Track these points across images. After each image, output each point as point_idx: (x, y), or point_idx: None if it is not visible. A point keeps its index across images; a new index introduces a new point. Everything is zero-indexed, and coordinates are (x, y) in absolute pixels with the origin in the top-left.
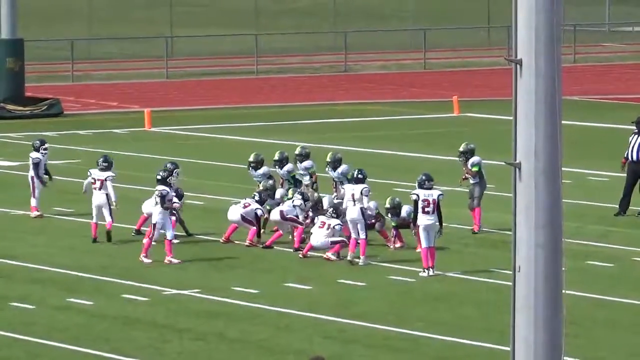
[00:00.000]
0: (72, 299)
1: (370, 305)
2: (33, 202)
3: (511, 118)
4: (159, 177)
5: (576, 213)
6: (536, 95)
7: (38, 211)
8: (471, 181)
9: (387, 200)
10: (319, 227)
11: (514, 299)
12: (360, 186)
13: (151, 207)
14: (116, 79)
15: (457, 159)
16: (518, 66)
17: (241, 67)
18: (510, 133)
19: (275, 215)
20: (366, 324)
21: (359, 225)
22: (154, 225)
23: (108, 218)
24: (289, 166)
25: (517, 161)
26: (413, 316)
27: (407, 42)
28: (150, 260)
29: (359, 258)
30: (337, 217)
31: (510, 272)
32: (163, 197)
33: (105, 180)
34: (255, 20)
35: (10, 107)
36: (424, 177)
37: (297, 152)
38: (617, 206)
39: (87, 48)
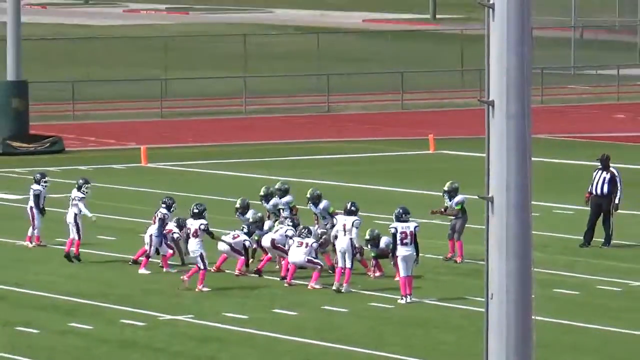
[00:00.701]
0: (73, 324)
1: (352, 330)
2: (30, 232)
3: (484, 155)
4: (195, 211)
5: (543, 244)
6: (507, 134)
7: (39, 241)
8: (452, 217)
9: (367, 232)
10: (297, 246)
11: (487, 324)
12: (352, 218)
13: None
14: (114, 118)
15: (438, 193)
16: (490, 107)
17: (230, 107)
18: (483, 169)
19: (266, 242)
20: (348, 347)
21: (347, 255)
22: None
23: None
24: (274, 200)
25: (490, 195)
26: (391, 341)
27: (385, 84)
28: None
29: (342, 286)
30: (316, 242)
31: (483, 299)
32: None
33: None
34: (244, 64)
35: (15, 144)
36: (401, 211)
37: (277, 187)
38: (582, 238)
39: (87, 89)
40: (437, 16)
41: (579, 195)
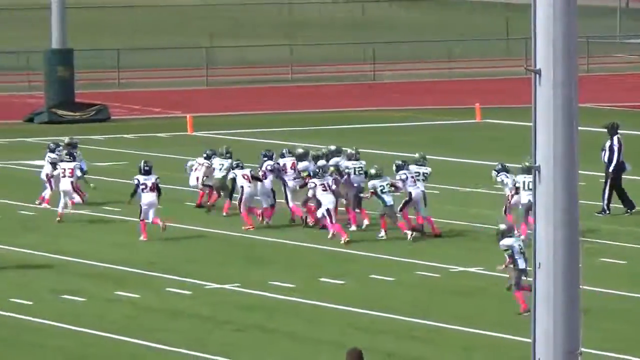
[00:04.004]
0: (119, 292)
1: (398, 299)
2: (47, 194)
3: (530, 124)
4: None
5: (589, 213)
6: (554, 103)
7: (48, 202)
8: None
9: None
10: (323, 190)
11: (535, 293)
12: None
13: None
14: (159, 87)
15: (484, 162)
16: (537, 75)
17: (276, 75)
18: (530, 138)
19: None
20: (393, 316)
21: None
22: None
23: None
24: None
25: (537, 165)
26: (437, 310)
27: (431, 53)
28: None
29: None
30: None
31: (531, 269)
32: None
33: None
34: (289, 32)
35: (60, 112)
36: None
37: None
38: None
39: (132, 57)
40: None
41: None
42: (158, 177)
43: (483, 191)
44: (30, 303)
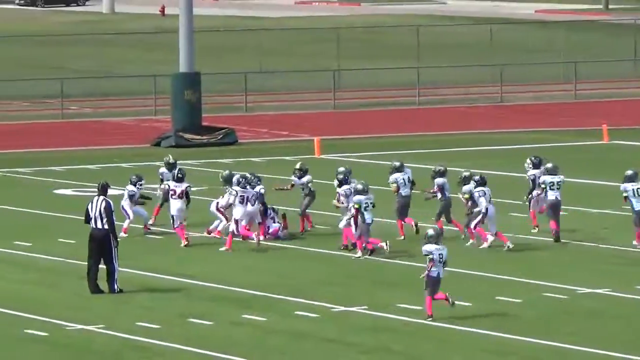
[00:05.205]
0: (246, 315)
1: (526, 320)
2: (126, 224)
3: None
4: None
5: None
6: None
7: (147, 228)
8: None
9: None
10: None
11: None
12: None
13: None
14: (286, 110)
15: (613, 183)
16: None
17: (403, 98)
18: None
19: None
20: (522, 337)
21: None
22: None
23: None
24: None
25: None
26: (564, 331)
27: (557, 75)
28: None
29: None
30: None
31: None
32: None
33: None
34: (416, 55)
35: (188, 136)
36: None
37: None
38: None
39: (258, 81)
40: (610, 6)
41: None
42: (189, 186)
43: (611, 212)
44: (158, 327)
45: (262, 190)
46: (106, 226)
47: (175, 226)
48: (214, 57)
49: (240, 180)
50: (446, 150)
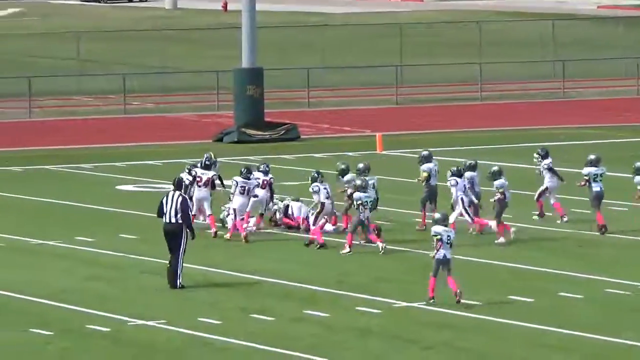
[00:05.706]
0: (308, 311)
1: (587, 316)
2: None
3: None
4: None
5: None
6: None
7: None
8: None
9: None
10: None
11: None
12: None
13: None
14: (349, 105)
15: None
16: None
17: (465, 93)
18: None
19: None
20: (583, 333)
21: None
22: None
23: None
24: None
25: None
26: (627, 327)
27: (620, 70)
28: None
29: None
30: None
31: None
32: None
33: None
34: (478, 50)
35: (250, 131)
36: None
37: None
38: None
39: (321, 76)
40: None
41: None
42: (216, 174)
43: None
44: (219, 322)
45: (272, 180)
46: (180, 221)
47: (196, 213)
48: (277, 53)
49: (242, 170)
50: (512, 146)
